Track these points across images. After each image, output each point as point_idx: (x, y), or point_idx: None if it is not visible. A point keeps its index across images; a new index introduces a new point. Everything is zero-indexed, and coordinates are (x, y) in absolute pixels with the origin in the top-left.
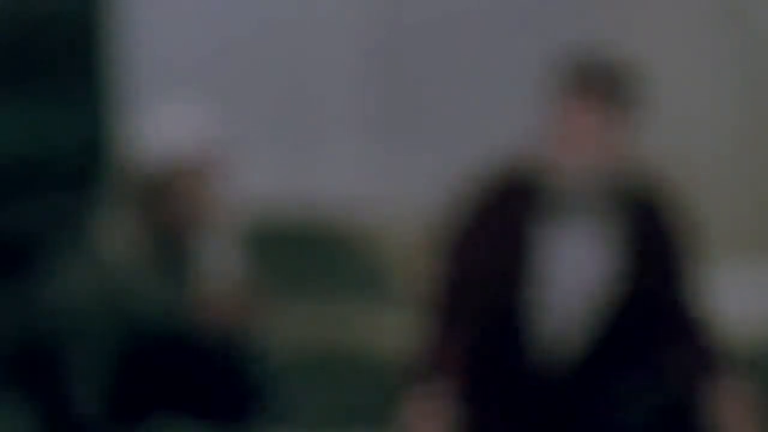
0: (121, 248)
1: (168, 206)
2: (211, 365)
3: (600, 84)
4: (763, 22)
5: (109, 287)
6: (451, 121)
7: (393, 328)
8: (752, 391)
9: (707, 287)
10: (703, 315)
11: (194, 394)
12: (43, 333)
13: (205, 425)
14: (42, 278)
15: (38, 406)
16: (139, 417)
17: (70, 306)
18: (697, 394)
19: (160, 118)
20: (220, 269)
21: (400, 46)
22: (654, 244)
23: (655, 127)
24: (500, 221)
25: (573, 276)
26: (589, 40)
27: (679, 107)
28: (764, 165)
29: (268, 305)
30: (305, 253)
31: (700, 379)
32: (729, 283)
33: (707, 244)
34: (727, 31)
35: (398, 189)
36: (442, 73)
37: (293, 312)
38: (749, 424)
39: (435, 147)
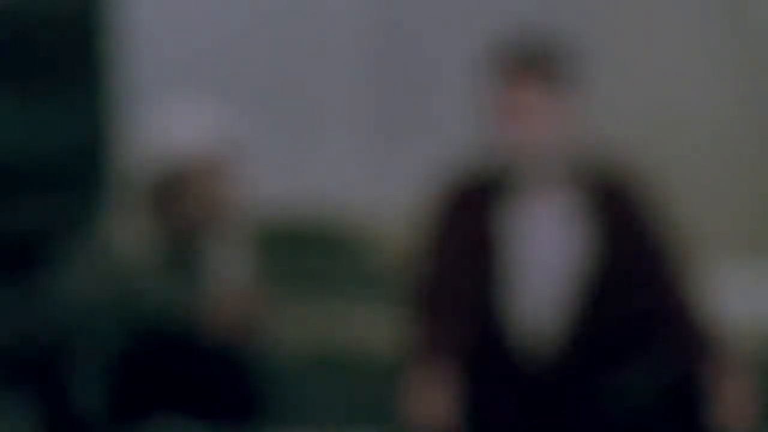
0: (125, 248)
1: (176, 206)
2: (213, 365)
3: (533, 60)
4: (763, 22)
5: (112, 287)
6: (451, 122)
7: (392, 327)
8: (753, 390)
9: (706, 287)
10: (695, 300)
11: (196, 393)
12: (46, 333)
13: (206, 425)
14: (46, 278)
15: (41, 406)
16: (141, 416)
17: (74, 306)
18: (692, 376)
19: (166, 117)
20: (227, 270)
21: (400, 46)
22: (623, 224)
23: (655, 126)
24: (466, 215)
25: (546, 256)
26: (588, 38)
27: (678, 106)
28: (764, 165)
29: (269, 305)
30: (305, 253)
31: (695, 362)
32: (729, 283)
33: (706, 244)
34: (727, 31)
35: (398, 189)
36: (442, 73)
37: (293, 312)
38: (746, 404)
39: (435, 147)
